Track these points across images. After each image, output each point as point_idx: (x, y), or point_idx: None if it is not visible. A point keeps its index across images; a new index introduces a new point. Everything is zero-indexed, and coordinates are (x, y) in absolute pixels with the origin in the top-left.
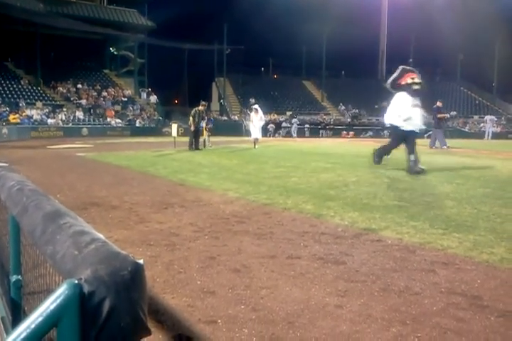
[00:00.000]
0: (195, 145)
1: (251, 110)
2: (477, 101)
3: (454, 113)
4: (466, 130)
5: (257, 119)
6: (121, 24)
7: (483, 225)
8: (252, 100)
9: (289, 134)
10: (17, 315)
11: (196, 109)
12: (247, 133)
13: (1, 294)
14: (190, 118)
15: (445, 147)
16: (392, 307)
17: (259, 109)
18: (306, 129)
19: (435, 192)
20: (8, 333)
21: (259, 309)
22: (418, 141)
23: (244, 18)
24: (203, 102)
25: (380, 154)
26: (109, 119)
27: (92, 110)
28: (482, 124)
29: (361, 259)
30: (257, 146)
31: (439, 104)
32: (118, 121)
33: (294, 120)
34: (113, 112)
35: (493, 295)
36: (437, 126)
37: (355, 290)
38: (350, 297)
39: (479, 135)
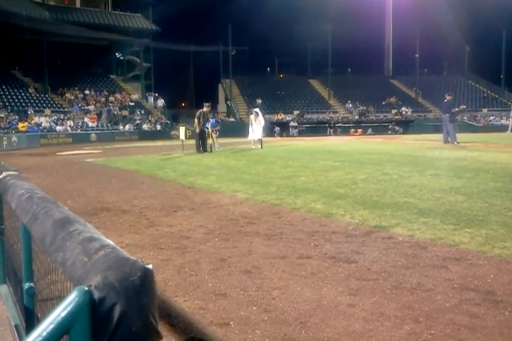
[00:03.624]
0: (202, 147)
1: (251, 113)
2: (485, 94)
3: (463, 106)
4: (475, 124)
5: (255, 122)
6: (126, 29)
7: (495, 219)
8: (259, 100)
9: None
10: (31, 322)
11: (201, 110)
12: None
13: (14, 302)
14: (195, 120)
15: (455, 142)
16: (405, 304)
17: (259, 112)
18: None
19: (445, 187)
20: None
21: (271, 310)
22: (430, 136)
23: (248, 19)
24: (207, 103)
25: None
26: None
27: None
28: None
29: (373, 257)
30: (259, 146)
31: (449, 97)
32: (126, 125)
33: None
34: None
35: (507, 290)
36: (451, 120)
37: (367, 289)
38: (363, 295)
39: (487, 128)
